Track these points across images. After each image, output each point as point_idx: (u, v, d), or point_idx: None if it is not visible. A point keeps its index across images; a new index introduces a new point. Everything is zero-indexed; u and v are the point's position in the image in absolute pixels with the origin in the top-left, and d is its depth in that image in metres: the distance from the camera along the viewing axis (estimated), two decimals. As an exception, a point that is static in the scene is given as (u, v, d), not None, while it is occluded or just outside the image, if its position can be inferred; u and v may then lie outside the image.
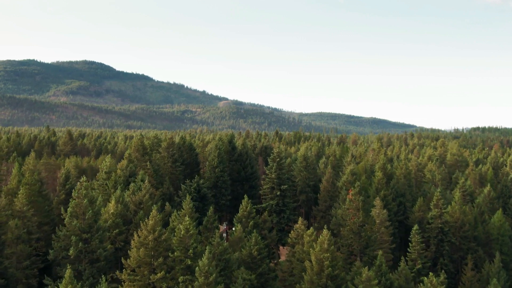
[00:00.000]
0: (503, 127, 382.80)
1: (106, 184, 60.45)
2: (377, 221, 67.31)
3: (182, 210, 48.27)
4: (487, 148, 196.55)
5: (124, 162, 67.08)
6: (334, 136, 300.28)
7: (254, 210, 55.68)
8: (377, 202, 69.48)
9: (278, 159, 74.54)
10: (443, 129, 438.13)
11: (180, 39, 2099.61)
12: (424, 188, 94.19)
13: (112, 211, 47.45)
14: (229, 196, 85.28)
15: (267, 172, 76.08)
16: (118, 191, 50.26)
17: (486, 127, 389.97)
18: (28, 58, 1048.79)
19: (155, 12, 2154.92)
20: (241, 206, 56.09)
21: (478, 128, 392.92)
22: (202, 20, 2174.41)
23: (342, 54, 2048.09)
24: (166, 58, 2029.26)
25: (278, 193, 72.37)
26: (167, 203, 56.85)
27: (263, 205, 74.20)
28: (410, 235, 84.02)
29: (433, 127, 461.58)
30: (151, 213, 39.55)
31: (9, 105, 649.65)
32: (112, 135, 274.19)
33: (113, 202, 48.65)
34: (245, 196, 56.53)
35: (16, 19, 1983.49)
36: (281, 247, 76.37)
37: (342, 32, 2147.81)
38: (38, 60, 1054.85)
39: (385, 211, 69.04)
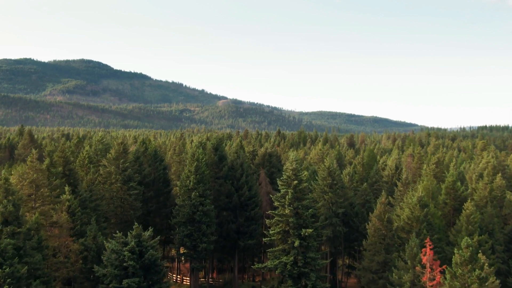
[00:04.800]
0: (510, 126, 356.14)
1: None
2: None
3: None
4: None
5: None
6: (338, 135, 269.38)
7: None
8: (481, 262, 37.69)
9: (295, 182, 41.90)
10: (445, 127, 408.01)
11: (179, 38, 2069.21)
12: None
13: None
14: (213, 236, 53.59)
15: (275, 203, 43.60)
16: None
17: (494, 126, 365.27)
18: (24, 57, 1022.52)
19: (154, 11, 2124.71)
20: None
21: (485, 127, 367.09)
22: (201, 20, 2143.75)
23: (341, 54, 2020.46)
24: (165, 57, 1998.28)
25: (297, 243, 40.05)
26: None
27: (268, 265, 41.90)
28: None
29: (434, 126, 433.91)
30: None
31: (3, 104, 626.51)
32: (97, 136, 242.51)
33: None
34: None
35: (13, 18, 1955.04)
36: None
37: (341, 32, 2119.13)
38: (35, 59, 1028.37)
39: (496, 280, 37.28)
